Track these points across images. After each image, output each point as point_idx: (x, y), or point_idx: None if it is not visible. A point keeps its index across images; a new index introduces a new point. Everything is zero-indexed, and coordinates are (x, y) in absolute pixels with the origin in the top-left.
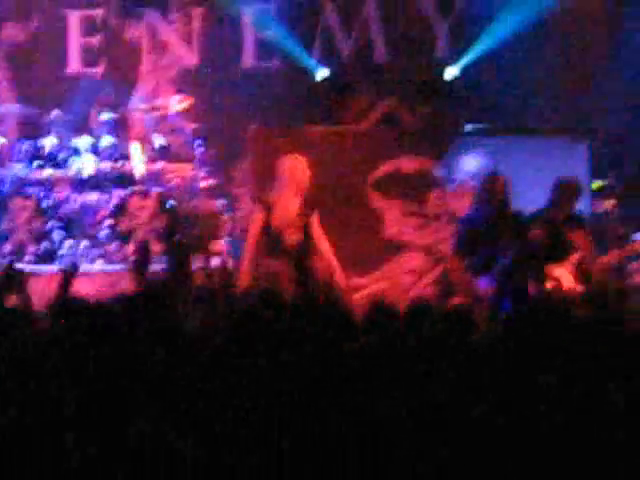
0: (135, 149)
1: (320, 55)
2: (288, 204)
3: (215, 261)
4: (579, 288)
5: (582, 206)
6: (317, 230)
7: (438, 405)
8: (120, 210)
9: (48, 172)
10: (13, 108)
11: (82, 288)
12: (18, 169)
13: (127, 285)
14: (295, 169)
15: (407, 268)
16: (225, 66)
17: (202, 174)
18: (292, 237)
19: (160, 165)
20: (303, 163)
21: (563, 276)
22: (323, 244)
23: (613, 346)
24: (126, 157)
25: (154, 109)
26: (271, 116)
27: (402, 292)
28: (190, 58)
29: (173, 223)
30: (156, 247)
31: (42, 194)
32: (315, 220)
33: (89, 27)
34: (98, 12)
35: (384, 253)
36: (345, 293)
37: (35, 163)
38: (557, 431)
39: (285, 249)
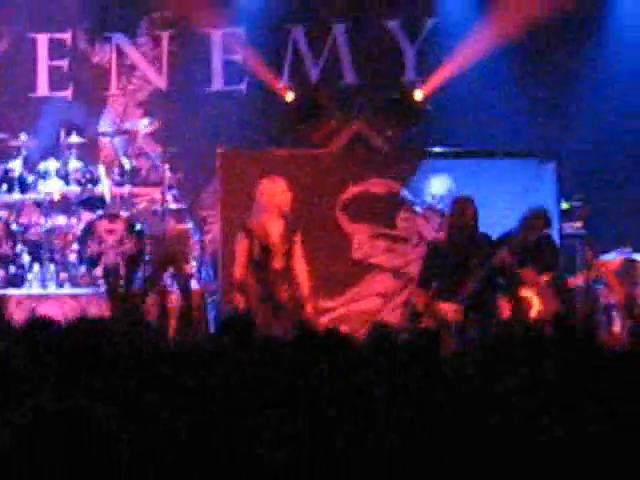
0: (103, 173)
1: (289, 78)
2: (269, 228)
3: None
4: (548, 309)
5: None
6: (297, 253)
7: (401, 431)
8: (88, 234)
9: (16, 196)
10: None
11: (50, 312)
12: None
13: (96, 309)
14: (274, 192)
15: (375, 290)
16: (194, 89)
17: (170, 197)
18: (275, 261)
19: (128, 188)
20: (282, 185)
21: (531, 297)
22: (299, 267)
23: (583, 367)
24: (94, 181)
25: (122, 132)
26: (240, 139)
27: (370, 315)
28: (158, 81)
29: (140, 247)
30: (124, 271)
31: (10, 218)
32: (298, 243)
33: (57, 50)
34: (66, 35)
35: (352, 275)
36: (311, 318)
37: (3, 187)
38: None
39: (267, 272)
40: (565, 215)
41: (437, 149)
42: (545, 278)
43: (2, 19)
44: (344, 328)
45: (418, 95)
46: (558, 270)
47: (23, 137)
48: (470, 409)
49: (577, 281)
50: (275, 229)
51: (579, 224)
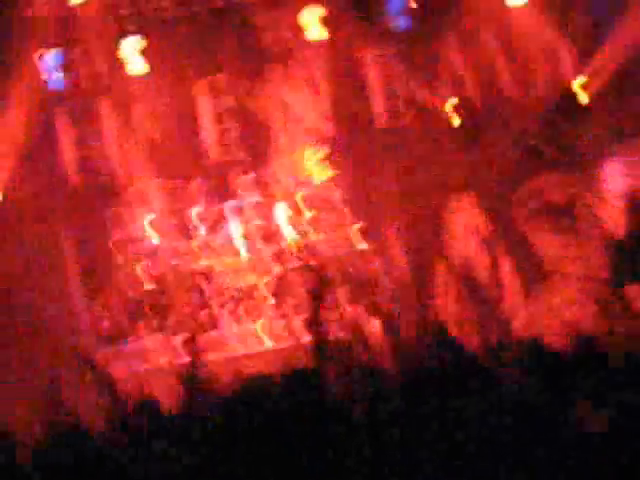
0: (286, 226)
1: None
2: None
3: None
4: None
5: None
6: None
7: None
8: (281, 286)
9: (206, 262)
10: (155, 182)
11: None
12: (168, 242)
13: (298, 361)
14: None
15: (566, 296)
16: (358, 128)
17: (354, 240)
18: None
19: (313, 237)
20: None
21: None
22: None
23: None
24: (278, 235)
25: (299, 184)
26: (411, 171)
27: (556, 317)
28: (323, 125)
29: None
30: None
31: (204, 284)
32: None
33: (218, 92)
34: (223, 77)
35: (540, 283)
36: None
37: (186, 236)
38: None
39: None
40: None
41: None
42: None
43: (163, 84)
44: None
45: (583, 97)
46: None
47: (196, 182)
48: None
49: None
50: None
51: None
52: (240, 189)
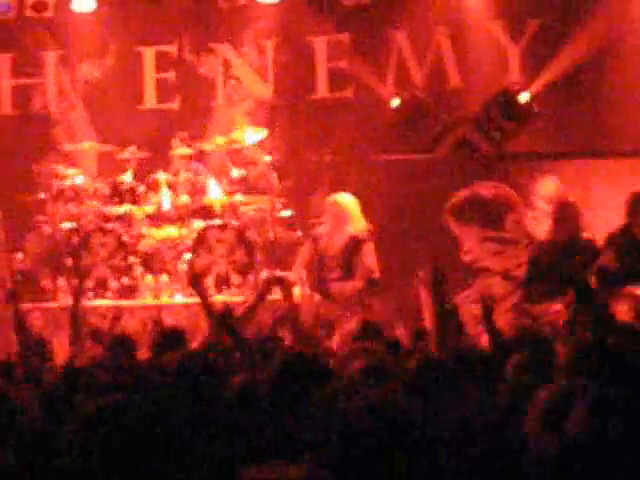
0: (212, 183)
1: (394, 84)
2: (333, 239)
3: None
4: None
5: None
6: (362, 267)
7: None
8: (199, 244)
9: (127, 208)
10: (91, 146)
11: (165, 321)
12: (97, 206)
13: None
14: (337, 205)
15: (485, 294)
16: (299, 97)
17: (279, 205)
18: (332, 271)
19: (238, 197)
20: (346, 199)
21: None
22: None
23: None
24: (204, 191)
25: (230, 142)
26: (346, 146)
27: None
28: (264, 90)
29: (251, 255)
30: (236, 280)
31: (122, 230)
32: (365, 253)
33: (163, 63)
34: (172, 47)
35: (462, 279)
36: None
37: (114, 199)
38: None
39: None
40: None
41: (545, 150)
42: None
43: (109, 34)
44: None
45: (524, 97)
46: None
47: (132, 149)
48: None
49: None
50: (336, 241)
51: None
52: (172, 142)
